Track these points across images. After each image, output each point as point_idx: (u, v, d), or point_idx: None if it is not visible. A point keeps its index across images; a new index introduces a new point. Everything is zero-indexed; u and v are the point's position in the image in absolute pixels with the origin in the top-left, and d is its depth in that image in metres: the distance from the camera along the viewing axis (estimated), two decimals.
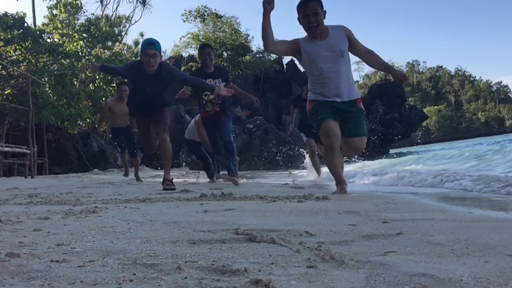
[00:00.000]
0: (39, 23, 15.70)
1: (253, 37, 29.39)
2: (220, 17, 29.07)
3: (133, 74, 4.64)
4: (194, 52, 29.37)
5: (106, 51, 14.51)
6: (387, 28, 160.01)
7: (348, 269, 1.04)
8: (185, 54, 30.17)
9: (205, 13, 29.23)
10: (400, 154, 20.03)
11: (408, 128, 29.05)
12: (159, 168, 14.01)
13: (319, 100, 3.66)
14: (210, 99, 5.53)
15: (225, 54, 28.46)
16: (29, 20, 21.06)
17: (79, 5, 15.18)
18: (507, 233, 1.56)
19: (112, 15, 22.87)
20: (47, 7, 15.07)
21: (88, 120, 13.18)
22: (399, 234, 1.49)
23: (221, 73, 5.77)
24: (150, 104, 4.65)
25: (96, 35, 13.69)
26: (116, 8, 21.79)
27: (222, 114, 5.56)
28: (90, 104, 13.77)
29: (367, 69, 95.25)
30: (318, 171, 7.16)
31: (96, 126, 10.33)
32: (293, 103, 7.58)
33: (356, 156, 7.22)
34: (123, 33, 23.40)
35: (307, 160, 7.98)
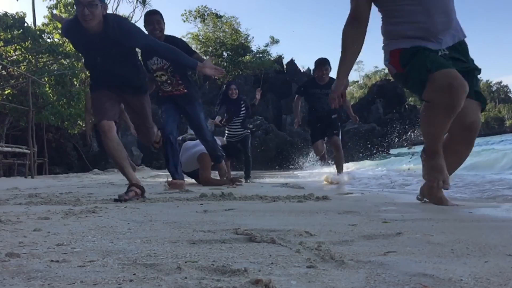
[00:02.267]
0: (39, 23, 15.74)
1: (253, 37, 29.52)
2: (220, 17, 29.11)
3: (73, 35, 3.30)
4: None
5: None
6: None
7: (348, 269, 1.04)
8: None
9: (205, 13, 29.27)
10: (399, 154, 20.08)
11: (408, 128, 29.05)
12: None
13: (414, 46, 2.30)
14: (164, 79, 4.41)
15: (225, 54, 28.48)
16: (29, 20, 21.07)
17: None
18: (507, 233, 1.56)
19: None
20: (47, 7, 15.12)
21: None
22: (399, 234, 1.49)
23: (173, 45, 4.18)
24: (115, 83, 3.33)
25: None
26: (116, 8, 21.77)
27: (190, 103, 4.44)
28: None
29: (367, 69, 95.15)
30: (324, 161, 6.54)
31: (85, 130, 8.88)
32: (299, 91, 6.55)
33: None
34: None
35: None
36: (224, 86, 7.43)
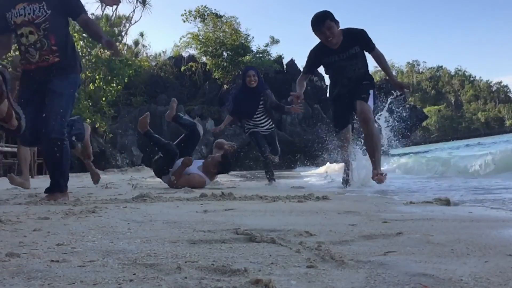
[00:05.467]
0: None
1: (253, 37, 29.45)
2: (220, 17, 29.08)
3: None
4: (194, 52, 29.46)
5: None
6: (387, 27, 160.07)
7: (348, 269, 1.04)
8: (185, 54, 30.23)
9: (205, 13, 29.24)
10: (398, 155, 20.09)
11: (408, 128, 29.06)
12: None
13: None
14: (32, 41, 2.99)
15: (225, 54, 28.46)
16: None
17: None
18: (507, 233, 1.56)
19: (112, 15, 22.85)
20: None
21: (88, 120, 13.19)
22: (399, 234, 1.49)
23: None
24: None
25: None
26: (116, 8, 21.84)
27: (58, 75, 3.01)
28: (90, 104, 13.78)
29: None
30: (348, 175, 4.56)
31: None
32: (307, 67, 4.59)
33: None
34: (123, 33, 23.42)
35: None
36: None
